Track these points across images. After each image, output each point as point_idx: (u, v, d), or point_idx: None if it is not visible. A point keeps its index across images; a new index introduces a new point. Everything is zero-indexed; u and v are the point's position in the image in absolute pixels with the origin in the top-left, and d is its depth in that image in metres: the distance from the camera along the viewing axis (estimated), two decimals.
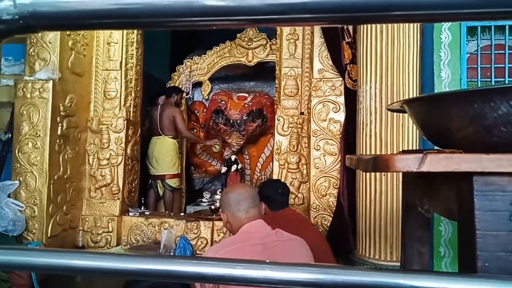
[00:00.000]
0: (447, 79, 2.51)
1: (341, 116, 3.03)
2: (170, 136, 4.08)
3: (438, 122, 0.70)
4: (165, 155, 4.04)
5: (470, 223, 0.54)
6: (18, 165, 2.94)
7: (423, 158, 0.53)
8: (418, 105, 0.75)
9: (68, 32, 3.08)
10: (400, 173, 2.25)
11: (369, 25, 2.45)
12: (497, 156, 0.52)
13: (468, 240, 0.55)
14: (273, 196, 2.13)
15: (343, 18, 0.44)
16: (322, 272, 0.46)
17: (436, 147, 0.80)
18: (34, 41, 2.99)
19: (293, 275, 0.46)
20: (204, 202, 4.29)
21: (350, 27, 2.86)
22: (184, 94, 4.50)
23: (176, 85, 4.59)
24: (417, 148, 2.38)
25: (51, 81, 2.93)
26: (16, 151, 2.94)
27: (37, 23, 0.46)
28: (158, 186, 4.11)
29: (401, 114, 2.34)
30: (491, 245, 0.52)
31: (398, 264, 2.15)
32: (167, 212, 3.93)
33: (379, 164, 0.57)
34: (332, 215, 2.94)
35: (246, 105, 4.47)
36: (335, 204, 2.94)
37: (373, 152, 2.40)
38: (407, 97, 2.21)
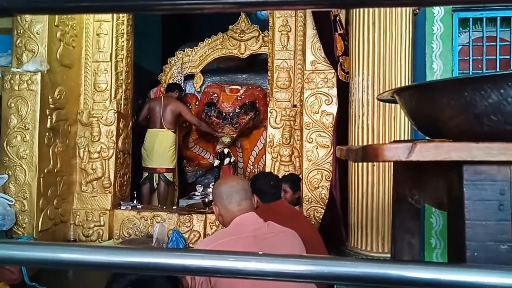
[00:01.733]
0: (439, 71, 2.51)
1: (333, 109, 3.03)
2: (172, 130, 4.07)
3: (428, 111, 0.69)
4: (167, 148, 4.03)
5: (459, 213, 0.54)
6: (7, 158, 2.89)
7: (412, 147, 0.52)
8: (408, 94, 0.74)
9: (56, 23, 3.02)
10: (392, 165, 2.25)
11: (361, 17, 2.44)
12: (486, 144, 0.51)
13: (457, 230, 0.54)
14: (265, 189, 2.13)
15: (335, 2, 0.42)
16: (313, 263, 0.45)
17: (426, 138, 0.79)
18: (21, 32, 2.92)
19: (283, 266, 0.45)
20: (197, 195, 4.28)
21: (343, 19, 2.84)
22: None
23: (168, 77, 4.55)
24: (409, 139, 2.39)
25: (39, 73, 2.87)
26: (5, 144, 2.89)
27: (12, 6, 0.44)
28: (154, 179, 4.09)
29: (393, 106, 2.34)
30: (480, 234, 0.52)
31: (389, 255, 2.16)
32: (160, 205, 3.92)
33: (368, 153, 0.56)
34: (325, 208, 2.95)
35: (238, 98, 4.44)
36: (327, 196, 2.95)
37: (365, 144, 2.40)
38: None
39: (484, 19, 2.53)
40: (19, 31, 2.93)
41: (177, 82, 4.49)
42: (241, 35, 4.28)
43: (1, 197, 2.82)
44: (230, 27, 4.33)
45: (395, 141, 0.73)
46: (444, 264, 0.45)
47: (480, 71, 2.55)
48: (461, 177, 0.53)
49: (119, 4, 0.46)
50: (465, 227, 0.52)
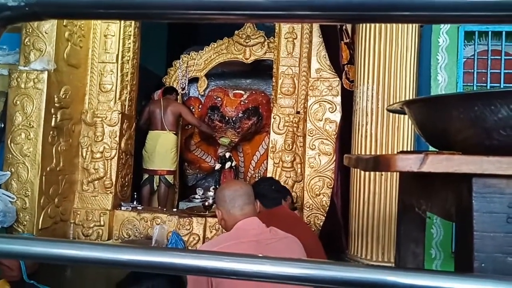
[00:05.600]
0: (443, 83, 2.53)
1: (337, 116, 3.04)
2: (173, 132, 4.08)
3: (438, 123, 0.70)
4: (169, 150, 4.04)
5: (468, 224, 0.55)
6: (10, 155, 2.91)
7: (424, 159, 0.53)
8: (418, 106, 0.75)
9: (64, 23, 3.05)
10: (395, 175, 2.26)
11: (368, 27, 2.46)
12: (497, 158, 0.52)
13: (466, 241, 0.55)
14: (267, 193, 2.13)
15: (347, 16, 0.44)
16: (317, 268, 0.46)
17: (432, 148, 0.80)
18: (30, 31, 2.95)
19: (287, 269, 0.46)
20: (197, 198, 4.28)
21: (349, 28, 2.87)
22: (180, 90, 4.50)
23: (173, 80, 4.58)
24: (411, 150, 2.40)
25: (46, 72, 2.90)
26: (9, 142, 2.91)
27: (43, 11, 0.45)
28: (155, 181, 4.10)
29: (397, 116, 2.36)
30: (488, 246, 0.53)
31: (389, 265, 2.16)
32: (160, 207, 3.92)
33: (380, 163, 0.57)
34: (325, 215, 2.95)
35: (242, 103, 4.47)
36: (328, 203, 2.96)
37: (368, 153, 2.42)
38: (403, 99, 2.22)
39: (490, 32, 2.55)
40: (27, 30, 2.96)
41: (181, 85, 4.52)
42: (247, 41, 4.31)
43: (3, 194, 2.83)
44: (236, 32, 4.36)
45: (403, 152, 0.74)
46: (452, 273, 0.45)
47: (484, 84, 2.57)
48: (471, 189, 0.55)
49: (143, 11, 0.47)
50: (473, 238, 0.53)
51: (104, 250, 0.46)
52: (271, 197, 2.13)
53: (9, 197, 2.84)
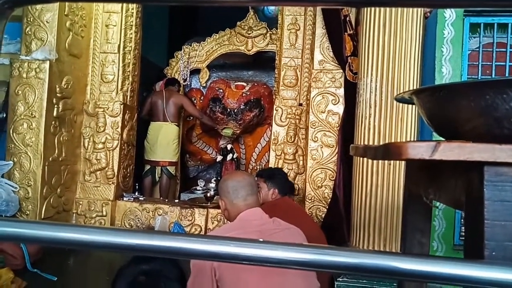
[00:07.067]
0: (448, 75, 2.52)
1: (340, 108, 3.03)
2: (175, 124, 4.08)
3: (447, 112, 0.70)
4: (170, 141, 4.04)
5: (478, 213, 0.55)
6: (13, 145, 2.91)
7: (436, 146, 0.52)
8: (427, 95, 0.75)
9: (66, 12, 3.02)
10: (398, 167, 2.25)
11: (371, 18, 2.44)
12: (509, 146, 0.52)
13: (476, 229, 0.55)
14: (282, 182, 2.18)
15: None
16: (319, 253, 0.45)
17: (432, 139, 0.80)
18: (31, 20, 2.93)
19: (293, 255, 0.45)
20: (199, 190, 4.29)
21: (353, 19, 2.84)
22: (182, 81, 4.48)
23: (174, 71, 4.56)
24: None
25: (47, 62, 2.89)
26: (11, 131, 2.91)
27: None
28: (156, 172, 4.10)
29: (400, 108, 2.35)
30: (498, 234, 0.53)
31: None
32: (161, 198, 3.93)
33: (390, 151, 0.57)
34: (327, 207, 2.96)
35: (244, 94, 4.45)
36: (330, 195, 2.96)
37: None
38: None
39: (495, 25, 2.53)
40: (28, 19, 2.94)
41: (183, 76, 4.51)
42: (249, 32, 4.28)
43: (6, 183, 2.84)
44: (238, 23, 4.33)
45: (411, 141, 0.74)
46: (462, 259, 0.45)
47: (489, 77, 2.56)
48: (482, 177, 0.54)
49: None
50: (484, 227, 0.53)
51: (113, 234, 0.46)
52: (286, 186, 2.18)
53: (12, 186, 2.85)
